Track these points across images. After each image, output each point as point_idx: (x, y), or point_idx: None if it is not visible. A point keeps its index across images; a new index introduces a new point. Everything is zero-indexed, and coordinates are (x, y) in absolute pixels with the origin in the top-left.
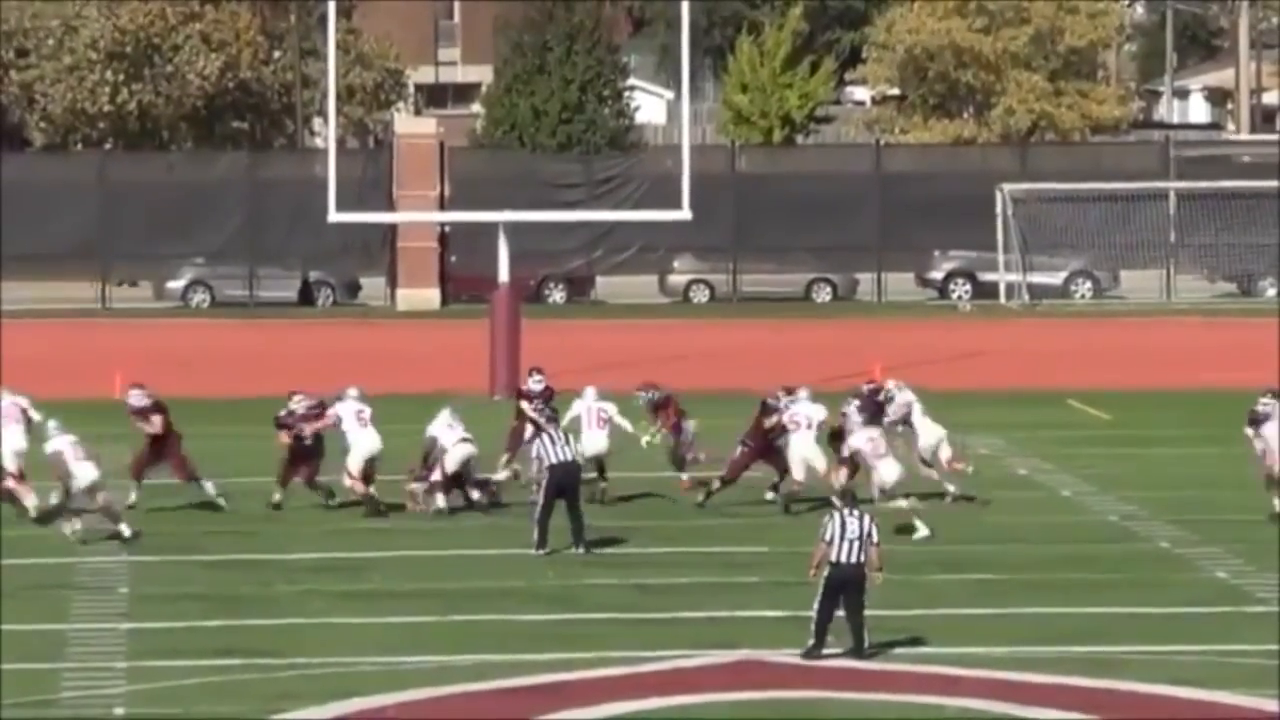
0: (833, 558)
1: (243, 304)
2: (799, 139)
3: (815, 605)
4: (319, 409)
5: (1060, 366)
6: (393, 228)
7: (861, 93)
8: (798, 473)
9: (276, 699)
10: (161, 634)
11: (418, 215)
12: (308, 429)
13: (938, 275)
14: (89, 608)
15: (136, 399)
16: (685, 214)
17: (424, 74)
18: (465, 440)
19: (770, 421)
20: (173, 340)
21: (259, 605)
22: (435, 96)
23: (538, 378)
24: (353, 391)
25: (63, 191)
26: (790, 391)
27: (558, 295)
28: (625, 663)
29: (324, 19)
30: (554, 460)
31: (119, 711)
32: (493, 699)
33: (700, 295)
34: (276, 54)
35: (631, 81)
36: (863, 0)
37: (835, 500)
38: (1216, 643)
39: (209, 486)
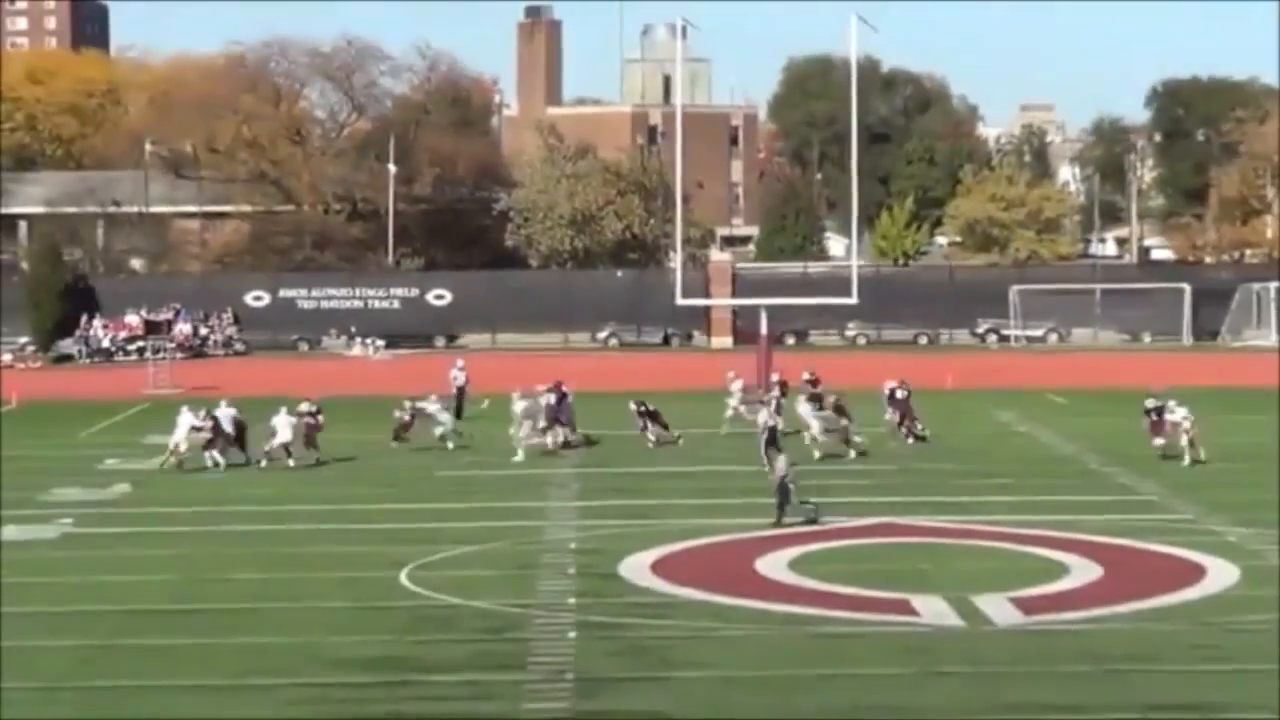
0: None
1: (646, 345)
2: (910, 263)
3: None
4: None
5: (1041, 375)
6: (708, 307)
7: (941, 239)
8: None
9: None
10: None
11: (722, 301)
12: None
13: (979, 330)
14: None
15: None
16: (853, 300)
17: (723, 228)
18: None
19: None
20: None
21: None
22: (730, 241)
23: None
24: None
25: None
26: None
27: (789, 340)
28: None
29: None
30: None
31: None
32: (721, 548)
33: (861, 340)
34: (652, 221)
35: (828, 235)
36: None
37: None
38: None
39: None
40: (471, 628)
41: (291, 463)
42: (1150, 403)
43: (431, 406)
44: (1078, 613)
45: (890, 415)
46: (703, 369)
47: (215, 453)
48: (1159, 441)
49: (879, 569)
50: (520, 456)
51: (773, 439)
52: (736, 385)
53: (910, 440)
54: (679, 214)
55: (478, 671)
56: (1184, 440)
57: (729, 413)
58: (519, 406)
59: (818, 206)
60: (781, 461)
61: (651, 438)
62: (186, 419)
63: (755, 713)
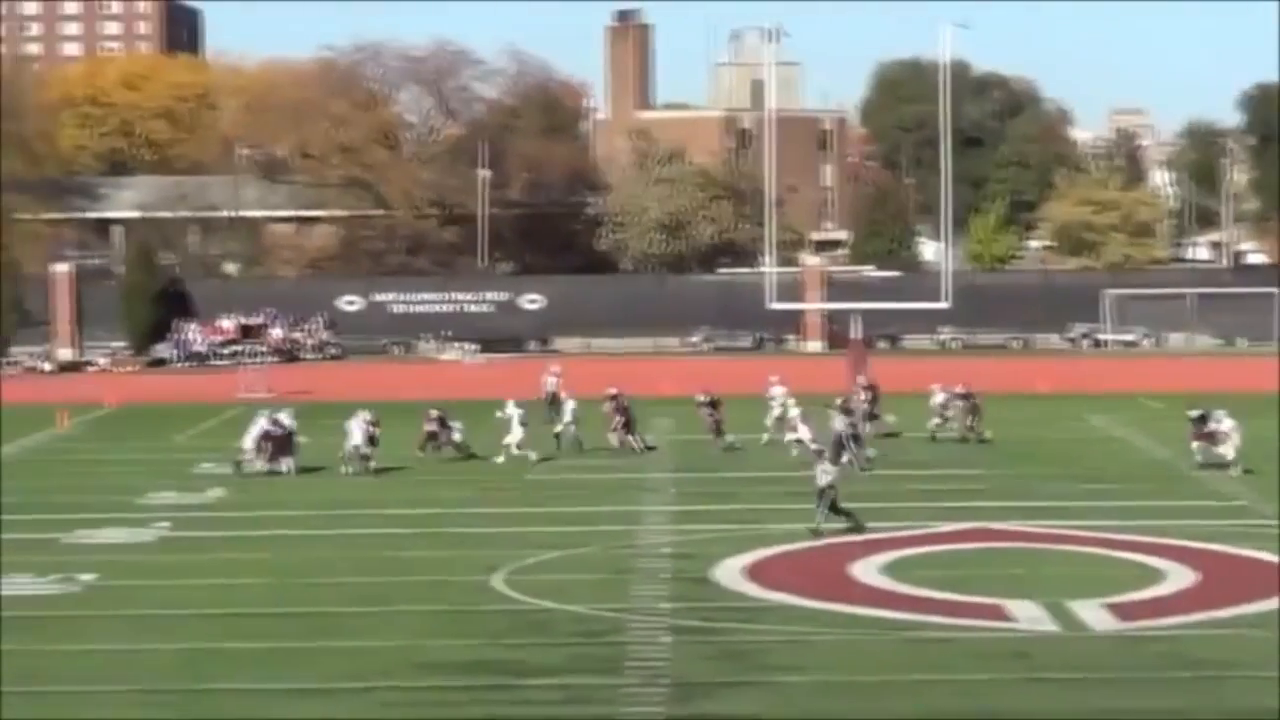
0: None
1: (738, 349)
2: (1003, 268)
3: None
4: None
5: (1134, 380)
6: (801, 311)
7: (1034, 243)
8: None
9: None
10: None
11: (815, 305)
12: None
13: (1072, 335)
14: None
15: None
16: (946, 304)
17: (815, 233)
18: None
19: None
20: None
21: None
22: (822, 246)
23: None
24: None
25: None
26: None
27: (881, 344)
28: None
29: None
30: None
31: None
32: (814, 553)
33: (954, 344)
34: (743, 225)
35: (920, 239)
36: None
37: None
38: None
39: None
40: (566, 632)
41: (372, 464)
42: (1194, 412)
43: (511, 410)
44: (1173, 618)
45: (935, 421)
46: (794, 373)
47: (289, 459)
48: (1201, 448)
49: (972, 574)
50: (502, 459)
51: (841, 444)
52: (779, 391)
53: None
54: (771, 218)
55: (572, 676)
56: (1229, 451)
57: (770, 420)
58: (512, 413)
59: (909, 211)
60: (831, 468)
61: (727, 439)
62: (260, 425)
63: (849, 716)
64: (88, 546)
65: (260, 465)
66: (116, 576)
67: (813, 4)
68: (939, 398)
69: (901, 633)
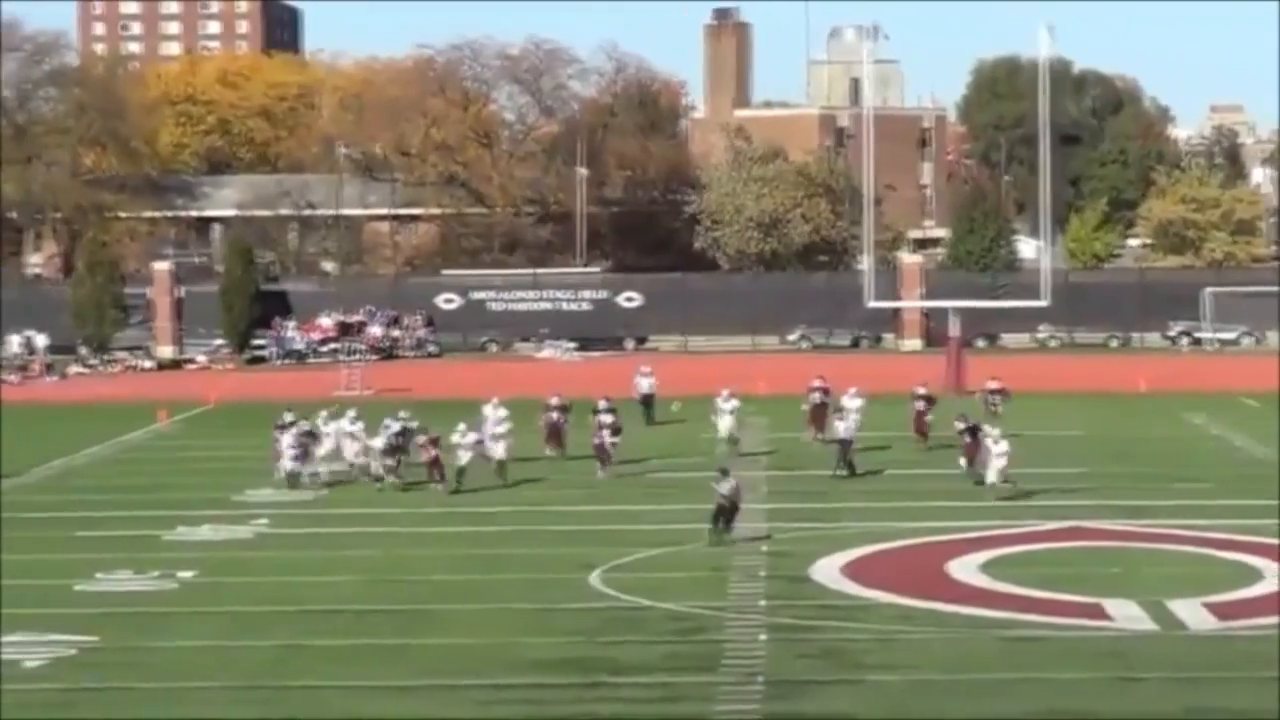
0: None
1: (835, 347)
2: (1102, 266)
3: None
4: None
5: (1234, 379)
6: (898, 310)
7: (1133, 241)
8: None
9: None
10: None
11: (912, 303)
12: None
13: (1172, 333)
14: None
15: None
16: (1045, 303)
17: (914, 231)
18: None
19: None
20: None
21: None
22: (921, 244)
23: (995, 384)
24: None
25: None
26: None
27: (980, 342)
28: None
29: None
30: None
31: None
32: (912, 551)
33: (1053, 343)
34: (841, 223)
35: (1018, 237)
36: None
37: None
38: None
39: None
40: (663, 630)
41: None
42: None
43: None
44: (1272, 618)
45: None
46: (890, 372)
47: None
48: None
49: (1070, 572)
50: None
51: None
52: (726, 393)
53: None
54: (869, 216)
55: (669, 673)
56: None
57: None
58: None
59: (1007, 209)
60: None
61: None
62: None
63: (946, 716)
64: (187, 543)
65: (390, 478)
66: (214, 573)
67: (912, 1)
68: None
69: (999, 631)
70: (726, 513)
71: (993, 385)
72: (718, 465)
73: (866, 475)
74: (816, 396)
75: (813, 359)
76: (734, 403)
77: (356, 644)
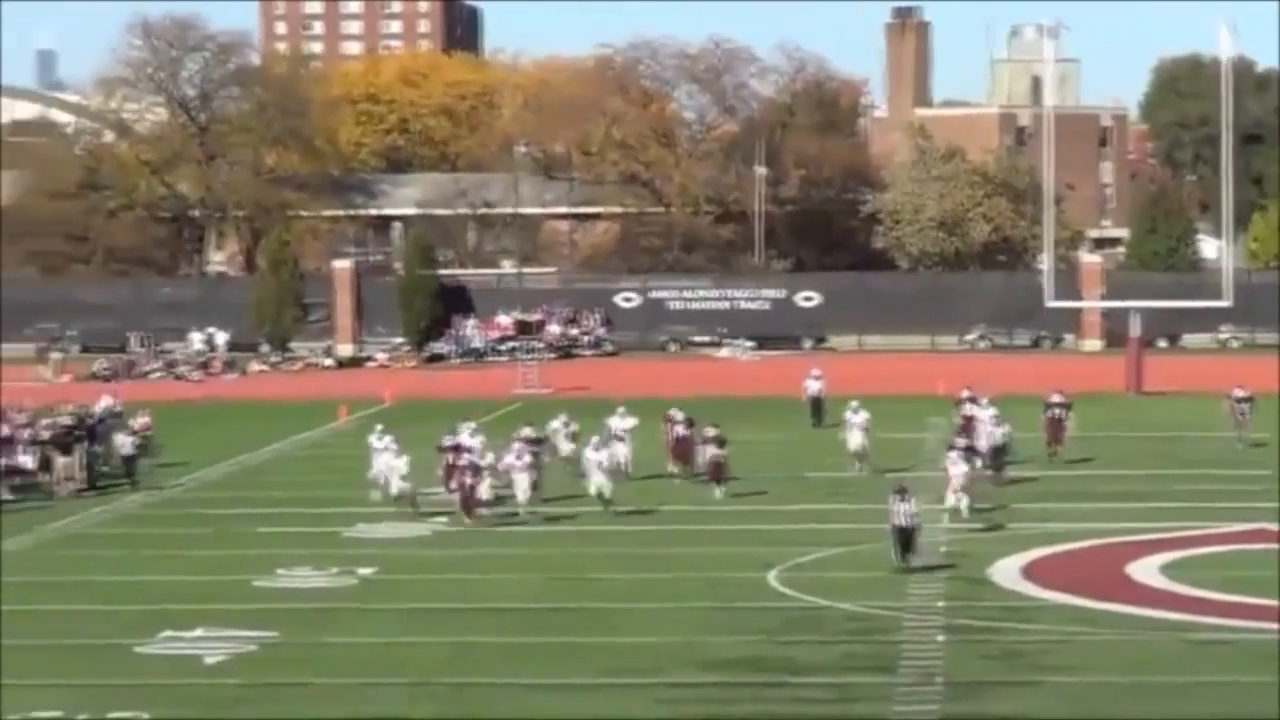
0: None
1: (1015, 347)
2: None
3: None
4: None
5: None
6: (1078, 310)
7: None
8: None
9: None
10: None
11: (1092, 304)
12: None
13: None
14: None
15: None
16: (1227, 303)
17: (1092, 230)
18: None
19: None
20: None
21: None
22: (1101, 243)
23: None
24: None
25: None
26: None
27: (1161, 343)
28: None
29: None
30: None
31: None
32: (1093, 553)
33: (1234, 343)
34: (1021, 222)
35: (1200, 237)
36: None
37: None
38: None
39: None
40: (841, 630)
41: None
42: None
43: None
44: None
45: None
46: (1073, 373)
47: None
48: None
49: (1252, 575)
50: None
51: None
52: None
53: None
54: (1049, 215)
55: (846, 674)
56: None
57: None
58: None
59: (1189, 208)
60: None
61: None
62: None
63: (1128, 717)
64: (367, 540)
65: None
66: (393, 570)
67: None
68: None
69: (1181, 634)
70: (906, 537)
71: (1240, 393)
72: (895, 485)
73: (1042, 478)
74: (967, 407)
75: (993, 359)
76: (863, 415)
77: (534, 642)
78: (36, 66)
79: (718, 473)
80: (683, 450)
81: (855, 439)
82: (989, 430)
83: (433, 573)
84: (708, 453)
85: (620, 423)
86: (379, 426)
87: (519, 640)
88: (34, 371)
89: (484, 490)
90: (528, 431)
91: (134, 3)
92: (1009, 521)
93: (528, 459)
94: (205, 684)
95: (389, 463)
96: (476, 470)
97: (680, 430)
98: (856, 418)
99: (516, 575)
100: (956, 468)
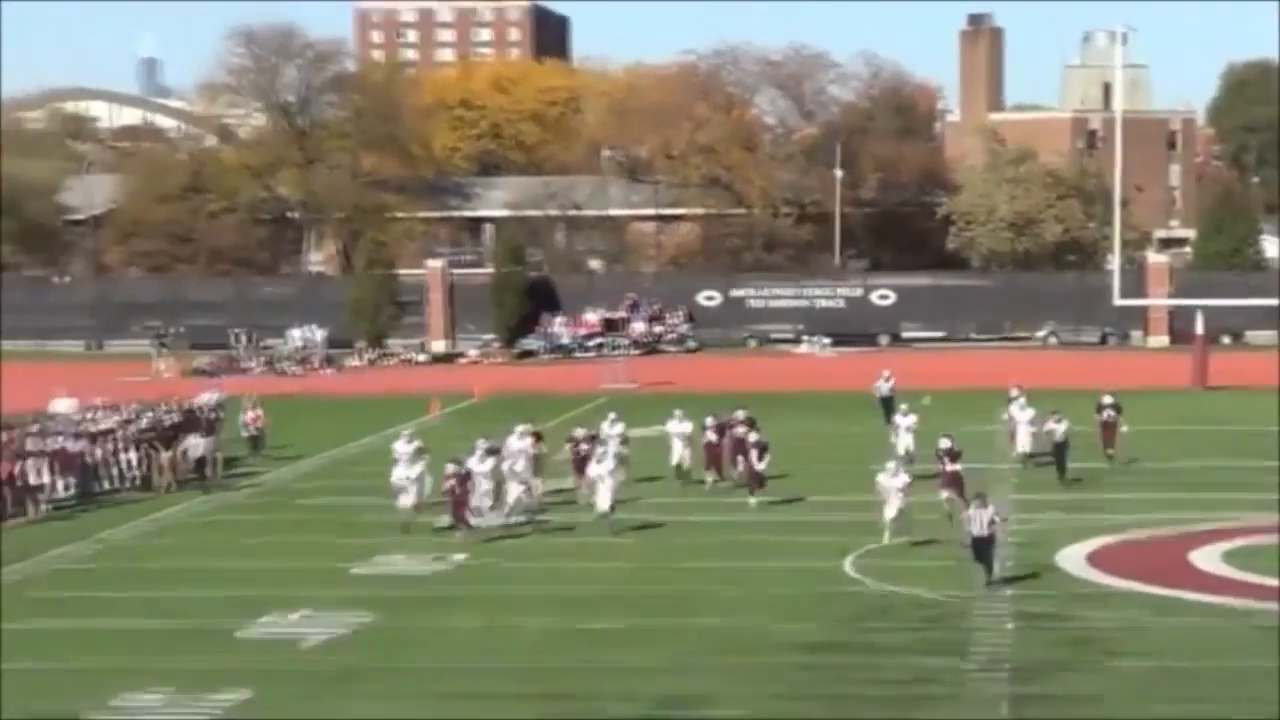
0: None
1: (1084, 344)
2: None
3: None
4: None
5: None
6: (1145, 308)
7: None
8: None
9: None
10: None
11: (1158, 301)
12: None
13: None
14: None
15: None
16: None
17: (1159, 231)
18: None
19: None
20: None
21: None
22: (1167, 244)
23: None
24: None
25: None
26: None
27: (1225, 339)
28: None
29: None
30: None
31: None
32: (1157, 541)
33: None
34: (1091, 224)
35: (1265, 237)
36: None
37: None
38: None
39: None
40: (913, 616)
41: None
42: None
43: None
44: None
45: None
46: (1139, 368)
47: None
48: None
49: None
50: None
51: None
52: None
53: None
54: (1117, 216)
55: (920, 655)
56: None
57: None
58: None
59: (1254, 209)
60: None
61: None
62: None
63: (1192, 702)
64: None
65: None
66: (485, 556)
67: (1163, 4)
68: None
69: (1248, 621)
70: (985, 548)
71: None
72: (975, 492)
73: (1103, 470)
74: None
75: (1061, 355)
76: (912, 419)
77: (627, 626)
78: (141, 74)
79: (755, 481)
80: (713, 456)
81: (905, 441)
82: (1027, 431)
83: (526, 560)
84: (749, 458)
85: (679, 426)
86: (406, 431)
87: (607, 625)
88: (152, 368)
89: (475, 499)
90: (580, 432)
91: (235, 6)
92: (1075, 510)
93: (610, 464)
94: (302, 668)
95: (406, 472)
96: (466, 479)
97: (711, 436)
98: (905, 420)
99: (605, 563)
100: (893, 480)
